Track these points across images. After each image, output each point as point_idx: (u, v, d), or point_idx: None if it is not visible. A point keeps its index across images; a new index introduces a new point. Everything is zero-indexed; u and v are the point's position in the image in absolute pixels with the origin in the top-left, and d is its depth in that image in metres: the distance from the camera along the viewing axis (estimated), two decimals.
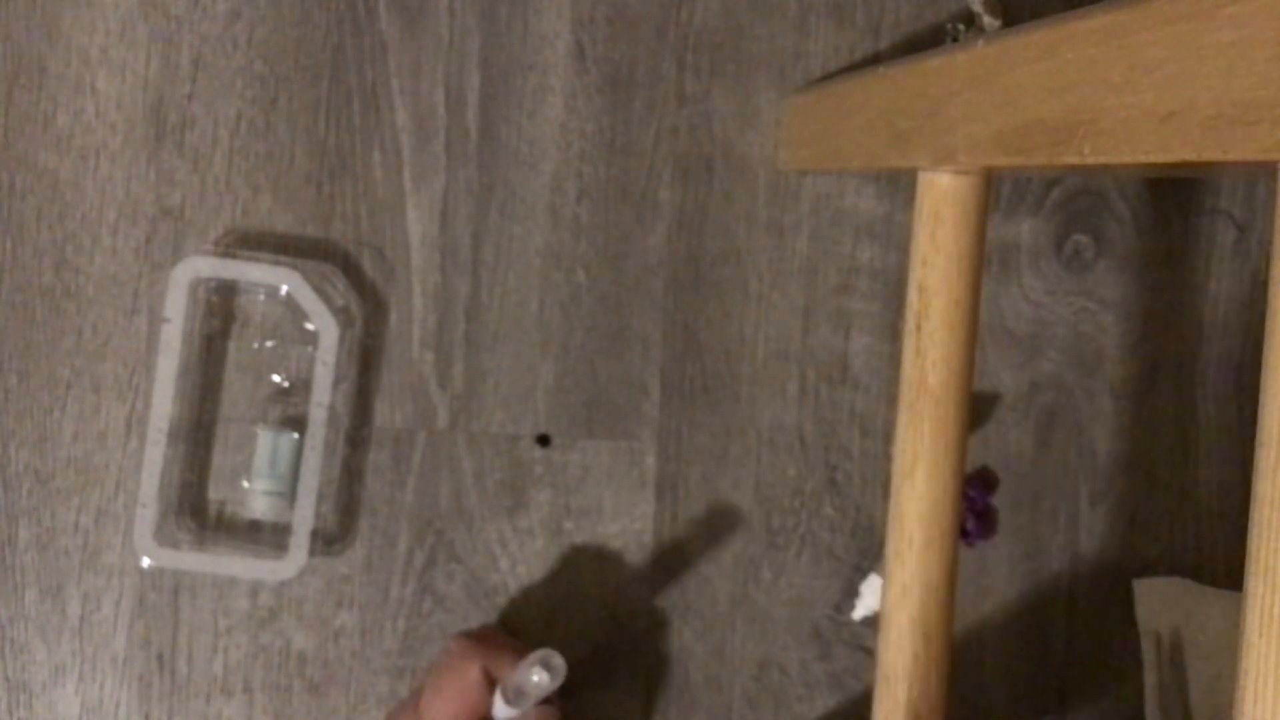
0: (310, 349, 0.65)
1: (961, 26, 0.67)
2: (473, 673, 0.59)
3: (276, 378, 0.66)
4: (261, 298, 0.65)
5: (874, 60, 0.68)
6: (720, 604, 0.69)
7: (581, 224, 0.67)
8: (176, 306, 0.63)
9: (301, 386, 0.65)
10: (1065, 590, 0.71)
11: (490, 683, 0.59)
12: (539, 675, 0.56)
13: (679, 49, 0.68)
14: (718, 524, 0.69)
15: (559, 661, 0.56)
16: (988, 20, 0.66)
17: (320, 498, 0.64)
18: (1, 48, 0.64)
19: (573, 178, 0.67)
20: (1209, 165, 0.35)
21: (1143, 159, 0.35)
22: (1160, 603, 0.70)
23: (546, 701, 0.58)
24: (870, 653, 0.68)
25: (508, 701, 0.57)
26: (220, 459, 0.66)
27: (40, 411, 0.65)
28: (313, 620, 0.67)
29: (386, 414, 0.67)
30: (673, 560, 0.68)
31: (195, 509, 0.66)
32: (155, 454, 0.62)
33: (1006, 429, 0.70)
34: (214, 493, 0.66)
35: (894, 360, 0.68)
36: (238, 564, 0.63)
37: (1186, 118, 0.33)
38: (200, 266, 0.63)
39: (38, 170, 0.64)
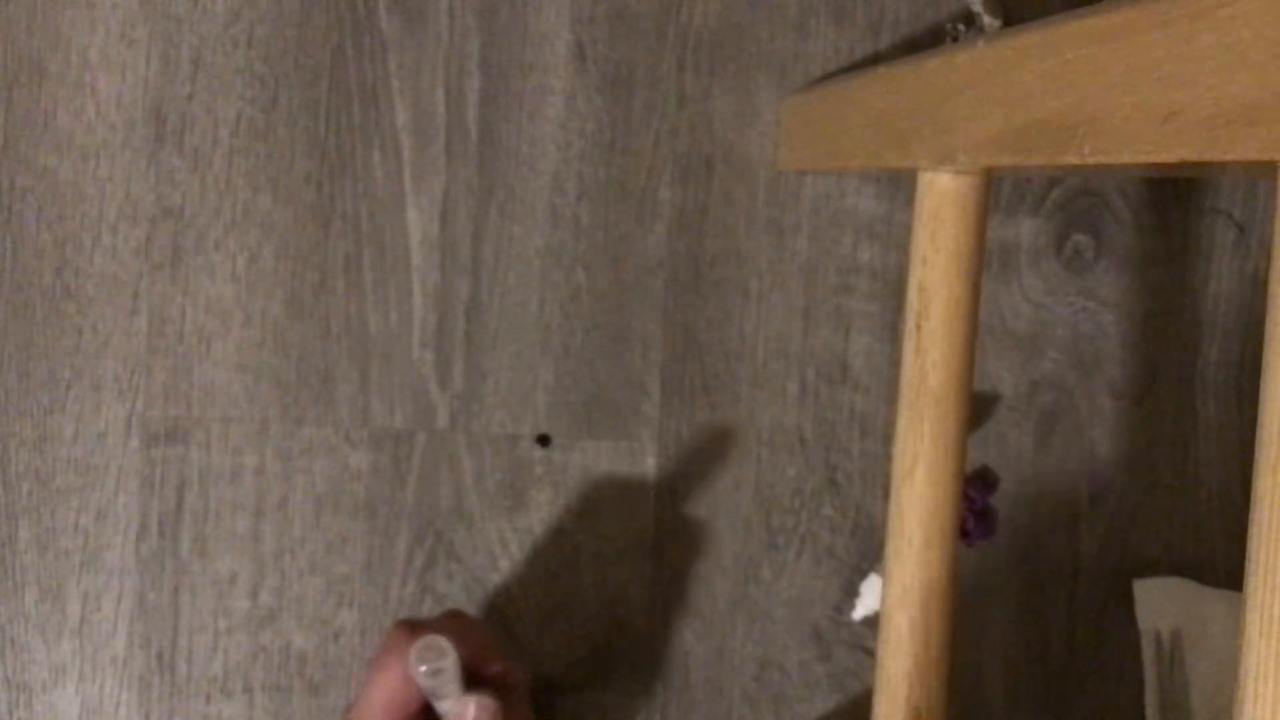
0: None
1: (961, 26, 0.67)
2: (396, 669, 0.54)
3: None
4: None
5: (874, 60, 0.68)
6: (720, 604, 0.69)
7: (581, 224, 0.67)
8: None
9: None
10: (1065, 590, 0.71)
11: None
12: (423, 667, 0.53)
13: (679, 49, 0.68)
14: (718, 524, 0.69)
15: (434, 641, 0.53)
16: (988, 20, 0.66)
17: None
18: (1, 48, 0.64)
19: (573, 178, 0.67)
20: (1209, 165, 0.35)
21: (1143, 159, 0.35)
22: (1160, 603, 0.69)
23: (493, 694, 0.55)
24: (870, 653, 0.68)
25: (432, 698, 0.55)
26: None
27: (40, 411, 0.65)
28: (313, 620, 0.67)
29: (386, 414, 0.67)
30: (673, 560, 0.68)
31: None
32: None
33: (1006, 429, 0.70)
34: None
35: (894, 360, 0.68)
36: None
37: (1186, 118, 0.33)
38: None
39: (38, 170, 0.64)
